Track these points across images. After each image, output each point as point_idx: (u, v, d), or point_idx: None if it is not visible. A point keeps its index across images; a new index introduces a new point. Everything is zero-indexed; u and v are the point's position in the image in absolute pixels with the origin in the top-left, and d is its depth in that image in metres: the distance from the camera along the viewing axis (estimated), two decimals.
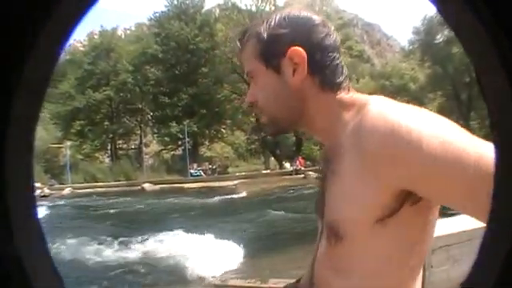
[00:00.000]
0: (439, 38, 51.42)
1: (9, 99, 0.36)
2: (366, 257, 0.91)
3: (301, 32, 0.99)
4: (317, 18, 1.02)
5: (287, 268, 7.49)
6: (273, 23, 1.01)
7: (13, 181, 0.38)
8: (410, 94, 54.35)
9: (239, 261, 9.04)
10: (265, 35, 1.00)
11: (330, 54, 0.99)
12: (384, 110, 0.86)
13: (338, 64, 1.01)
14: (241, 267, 8.61)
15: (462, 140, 0.78)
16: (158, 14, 49.30)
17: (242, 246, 9.97)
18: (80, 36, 58.46)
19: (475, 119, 47.21)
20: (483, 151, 0.74)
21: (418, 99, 53.63)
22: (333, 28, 1.04)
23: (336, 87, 0.99)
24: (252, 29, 1.05)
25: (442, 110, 53.02)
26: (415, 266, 0.95)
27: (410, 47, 59.58)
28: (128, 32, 65.36)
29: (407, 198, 0.85)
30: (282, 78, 0.99)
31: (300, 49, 0.97)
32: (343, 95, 1.00)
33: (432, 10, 46.45)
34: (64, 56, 54.99)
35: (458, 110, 49.33)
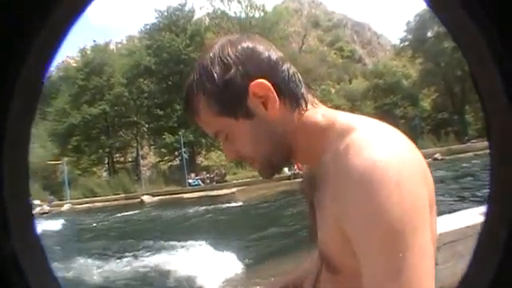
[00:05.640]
0: (430, 34, 51.78)
1: (5, 108, 0.36)
2: None
3: (247, 63, 0.90)
4: (248, 41, 0.93)
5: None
6: (214, 72, 0.89)
7: (9, 181, 0.38)
8: (403, 90, 54.70)
9: (241, 269, 9.02)
10: (215, 88, 0.89)
11: (283, 69, 0.91)
12: (367, 149, 0.77)
13: (294, 73, 0.93)
14: (244, 276, 8.58)
15: (414, 255, 0.69)
16: (148, 27, 49.47)
17: (243, 253, 9.98)
18: (72, 52, 58.41)
19: (470, 113, 47.48)
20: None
21: (411, 96, 54.04)
22: (265, 40, 0.96)
23: (303, 100, 0.92)
24: (191, 90, 0.93)
25: (436, 106, 53.29)
26: None
27: (401, 44, 59.96)
28: (119, 45, 65.41)
29: None
30: (257, 118, 0.90)
31: (259, 80, 0.88)
32: (317, 110, 0.93)
33: (422, 6, 46.70)
34: (57, 73, 55.12)
35: (452, 105, 49.61)
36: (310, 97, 0.94)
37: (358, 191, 0.73)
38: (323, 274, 0.98)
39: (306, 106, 0.92)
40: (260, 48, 0.92)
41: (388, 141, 0.80)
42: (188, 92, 0.94)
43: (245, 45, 0.91)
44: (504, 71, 0.36)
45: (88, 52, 51.66)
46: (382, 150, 0.76)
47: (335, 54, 73.83)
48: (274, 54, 0.92)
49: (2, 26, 0.34)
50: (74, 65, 55.99)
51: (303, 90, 0.93)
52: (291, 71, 0.92)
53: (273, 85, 0.89)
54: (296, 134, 0.92)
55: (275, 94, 0.89)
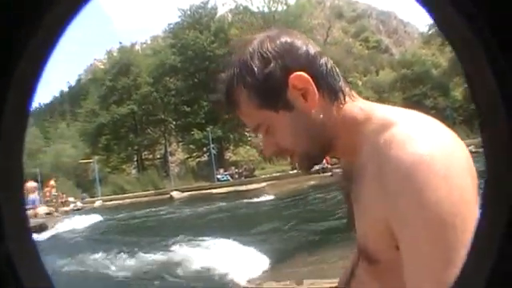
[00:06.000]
0: None
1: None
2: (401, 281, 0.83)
3: (286, 57, 0.91)
4: (286, 36, 0.94)
5: (319, 269, 7.43)
6: (254, 66, 0.92)
7: (3, 181, 0.38)
8: (432, 80, 53.44)
9: (271, 264, 9.00)
10: (255, 81, 0.92)
11: (321, 62, 0.93)
12: (411, 143, 0.78)
13: (332, 67, 0.95)
14: (273, 270, 8.56)
15: (461, 233, 0.70)
16: (172, 26, 50.02)
17: (273, 247, 9.97)
18: (99, 55, 59.67)
19: None
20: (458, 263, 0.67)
21: (441, 85, 52.77)
22: (303, 35, 0.98)
23: (341, 93, 0.93)
24: (231, 84, 0.96)
25: (468, 96, 51.82)
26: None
27: (430, 32, 58.67)
28: (144, 46, 66.38)
29: None
30: (297, 111, 0.92)
31: (298, 73, 0.90)
32: (355, 103, 0.94)
33: None
34: (86, 76, 56.55)
35: None
36: (347, 90, 0.95)
37: (406, 186, 0.74)
38: (361, 265, 0.98)
39: (344, 99, 0.94)
40: (298, 43, 0.93)
41: (431, 134, 0.80)
42: (228, 86, 0.97)
43: (283, 39, 0.93)
44: (497, 71, 0.36)
45: (114, 54, 52.76)
46: (427, 143, 0.77)
47: (361, 45, 72.91)
48: (312, 49, 0.94)
49: None
50: (102, 67, 57.31)
51: (341, 83, 0.95)
52: (329, 65, 0.94)
53: (311, 78, 0.90)
54: (334, 127, 0.93)
55: (314, 86, 0.91)
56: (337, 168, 23.75)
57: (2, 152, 0.37)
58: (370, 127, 0.89)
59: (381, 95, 50.22)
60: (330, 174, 25.22)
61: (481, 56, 0.37)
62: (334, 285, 5.34)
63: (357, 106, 0.94)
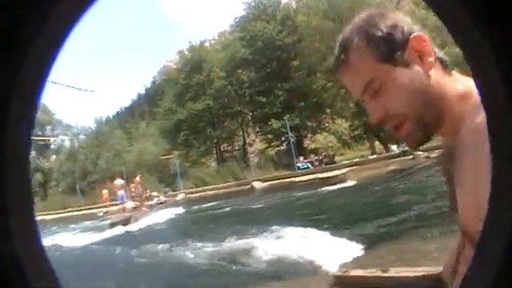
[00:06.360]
0: None
1: (6, 104, 0.36)
2: None
3: (403, 23, 0.93)
4: (394, 13, 0.96)
5: (408, 258, 7.23)
6: (377, 21, 0.93)
7: (10, 180, 0.38)
8: None
9: (358, 251, 8.88)
10: (378, 33, 0.91)
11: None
12: None
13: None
14: (360, 257, 8.44)
15: None
16: (238, 19, 50.41)
17: (359, 235, 9.83)
18: (171, 56, 61.57)
19: None
20: None
21: None
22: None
23: (447, 65, 0.93)
24: (351, 37, 0.94)
25: None
26: None
27: None
28: (213, 42, 67.59)
29: None
30: (413, 71, 0.90)
31: (419, 33, 0.91)
32: (458, 78, 0.93)
33: None
34: (160, 77, 58.68)
35: None
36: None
37: None
38: (465, 250, 0.94)
39: (451, 72, 0.93)
40: (406, 19, 0.95)
41: None
42: (348, 37, 0.95)
43: (393, 15, 0.95)
44: (503, 69, 0.36)
45: (186, 53, 54.10)
46: None
47: (433, 15, 69.27)
48: (416, 26, 0.94)
49: (1, 27, 0.34)
50: (174, 67, 59.08)
51: (443, 56, 0.95)
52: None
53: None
54: (445, 98, 0.90)
55: (431, 49, 0.91)
56: (418, 151, 22.94)
57: (8, 154, 0.37)
58: (469, 103, 0.86)
59: (462, 68, 47.60)
60: (411, 157, 24.30)
61: (488, 56, 0.36)
62: (419, 273, 5.25)
63: (460, 81, 0.92)
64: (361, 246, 9.04)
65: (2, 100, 0.35)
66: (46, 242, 22.01)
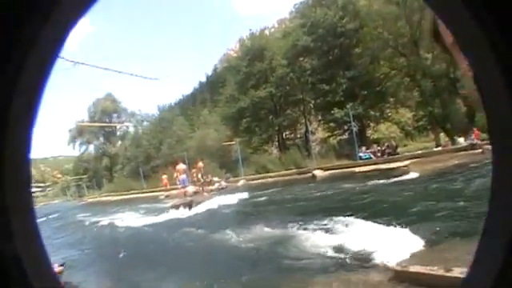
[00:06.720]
0: None
1: (8, 102, 0.36)
2: None
3: None
4: None
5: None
6: None
7: (10, 180, 0.38)
8: None
9: (421, 247, 8.72)
10: None
11: None
12: None
13: None
14: (422, 254, 8.29)
15: None
16: (298, 6, 49.83)
17: (423, 230, 9.65)
18: (231, 45, 62.02)
19: None
20: None
21: None
22: None
23: None
24: None
25: None
26: None
27: None
28: (273, 30, 67.39)
29: None
30: None
31: None
32: None
33: None
34: (221, 65, 59.40)
35: None
36: None
37: None
38: None
39: None
40: None
41: None
42: None
43: None
44: (505, 69, 0.36)
45: (246, 41, 54.27)
46: None
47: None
48: None
49: (2, 27, 0.34)
50: (235, 55, 59.48)
51: None
52: None
53: None
54: None
55: None
56: (487, 144, 21.82)
57: (9, 152, 0.37)
58: None
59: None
60: (479, 150, 23.19)
61: (489, 56, 0.37)
62: None
63: None
64: (423, 242, 8.89)
65: (2, 100, 0.35)
66: (117, 221, 23.40)
